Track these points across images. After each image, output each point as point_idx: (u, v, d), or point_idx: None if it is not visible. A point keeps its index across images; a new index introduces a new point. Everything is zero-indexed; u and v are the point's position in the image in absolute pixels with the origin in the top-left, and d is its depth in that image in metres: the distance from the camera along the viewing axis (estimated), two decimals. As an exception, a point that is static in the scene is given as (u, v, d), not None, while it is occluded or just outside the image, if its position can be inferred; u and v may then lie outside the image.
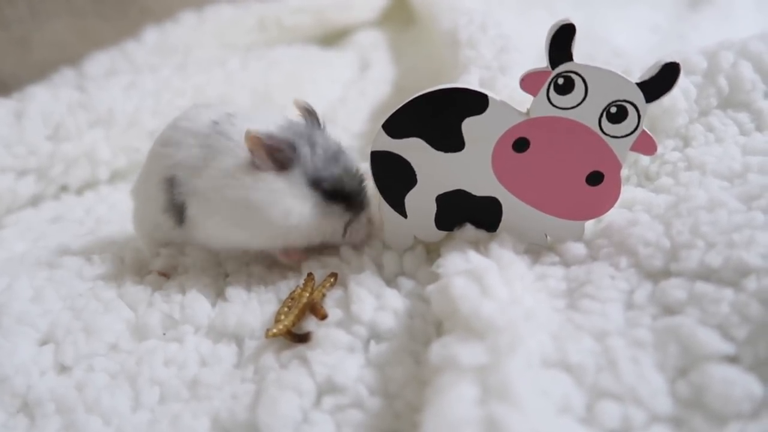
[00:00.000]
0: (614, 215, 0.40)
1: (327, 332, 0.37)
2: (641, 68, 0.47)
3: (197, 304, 0.42)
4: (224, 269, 0.46)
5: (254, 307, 0.42)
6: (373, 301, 0.39)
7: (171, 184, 0.44)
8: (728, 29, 0.93)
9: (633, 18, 1.08)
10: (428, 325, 0.37)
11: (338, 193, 0.42)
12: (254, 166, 0.40)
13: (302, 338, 0.38)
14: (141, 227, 0.50)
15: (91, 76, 0.83)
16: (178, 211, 0.44)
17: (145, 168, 0.48)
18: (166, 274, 0.46)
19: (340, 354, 0.36)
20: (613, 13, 1.06)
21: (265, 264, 0.46)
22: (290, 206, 0.40)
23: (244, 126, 0.40)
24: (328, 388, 0.35)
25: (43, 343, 0.41)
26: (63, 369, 0.40)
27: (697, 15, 1.06)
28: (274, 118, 0.43)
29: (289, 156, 0.40)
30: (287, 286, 0.43)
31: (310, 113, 0.44)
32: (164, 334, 0.41)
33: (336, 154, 0.42)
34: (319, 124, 0.44)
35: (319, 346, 0.37)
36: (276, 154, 0.40)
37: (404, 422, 0.33)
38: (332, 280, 0.41)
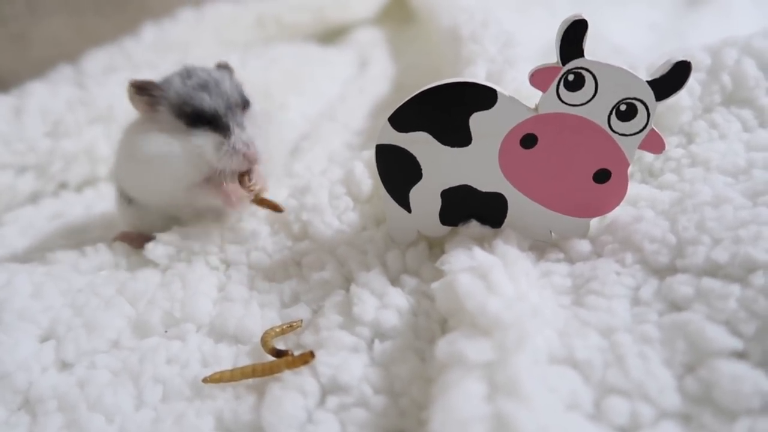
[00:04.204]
0: (619, 211, 0.39)
1: (330, 334, 0.37)
2: (644, 65, 0.47)
3: (197, 301, 0.42)
4: (225, 255, 0.46)
5: (254, 310, 0.41)
6: (375, 301, 0.38)
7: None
8: (727, 27, 0.93)
9: (631, 16, 1.08)
10: (432, 323, 0.37)
11: (201, 116, 0.43)
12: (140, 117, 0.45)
13: None
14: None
15: (90, 73, 0.83)
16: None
17: None
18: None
19: (344, 354, 0.36)
20: (611, 11, 1.06)
21: (266, 253, 0.46)
22: (156, 141, 0.43)
23: None
24: (332, 388, 0.35)
25: (45, 339, 0.41)
26: (64, 366, 0.39)
27: (696, 13, 1.06)
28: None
29: (154, 93, 0.43)
30: (289, 286, 0.43)
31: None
32: (166, 331, 0.41)
33: (205, 83, 0.44)
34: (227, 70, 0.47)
35: (323, 348, 0.37)
36: (143, 95, 0.43)
37: (410, 420, 0.32)
38: (294, 326, 0.40)
